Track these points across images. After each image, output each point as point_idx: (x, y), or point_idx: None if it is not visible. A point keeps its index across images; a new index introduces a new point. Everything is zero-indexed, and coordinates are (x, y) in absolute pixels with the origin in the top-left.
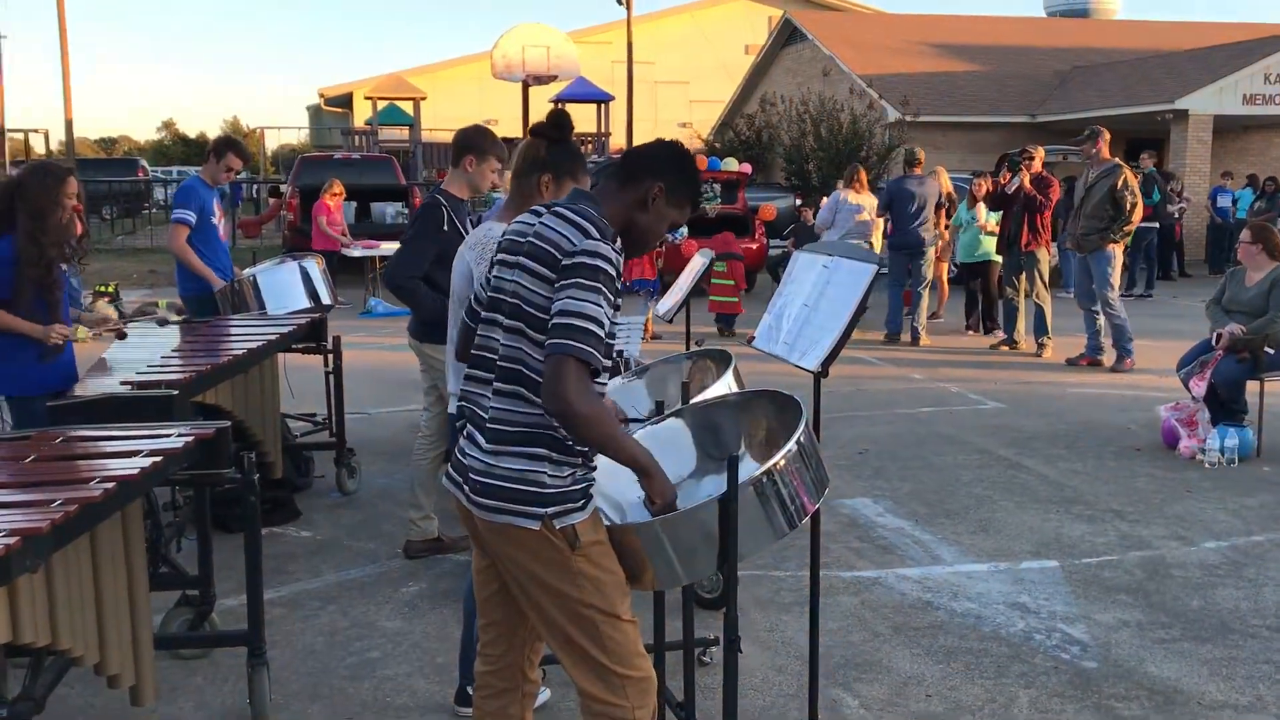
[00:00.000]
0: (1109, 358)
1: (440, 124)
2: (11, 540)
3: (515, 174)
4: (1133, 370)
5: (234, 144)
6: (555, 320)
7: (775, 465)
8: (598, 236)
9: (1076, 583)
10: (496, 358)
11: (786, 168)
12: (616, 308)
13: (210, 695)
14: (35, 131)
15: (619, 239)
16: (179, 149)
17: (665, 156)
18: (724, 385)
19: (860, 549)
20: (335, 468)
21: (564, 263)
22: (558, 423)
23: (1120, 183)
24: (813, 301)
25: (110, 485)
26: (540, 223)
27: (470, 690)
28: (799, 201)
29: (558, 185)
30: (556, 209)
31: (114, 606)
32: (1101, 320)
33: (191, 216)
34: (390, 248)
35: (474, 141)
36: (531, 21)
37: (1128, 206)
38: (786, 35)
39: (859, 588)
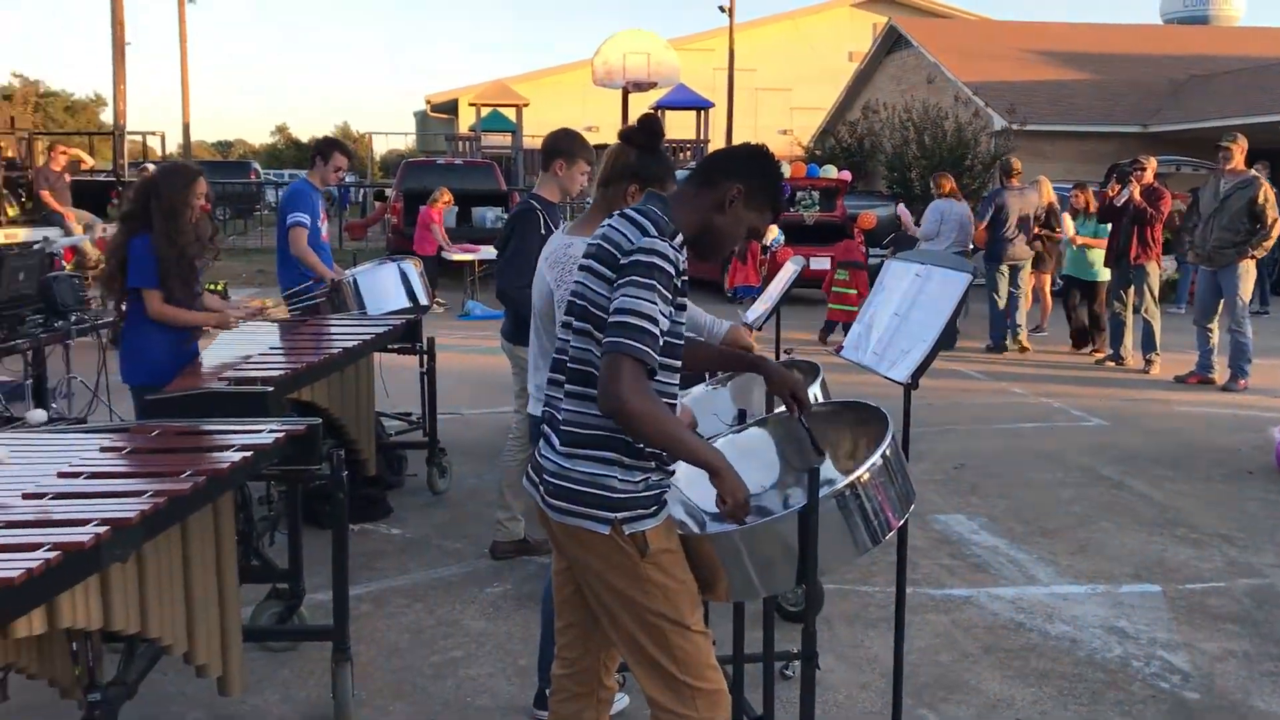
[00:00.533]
0: (1220, 376)
1: (542, 130)
2: (102, 530)
3: (601, 181)
4: (1245, 390)
5: (336, 143)
6: (611, 318)
7: (858, 479)
8: (655, 234)
9: (1179, 609)
10: (568, 360)
11: (888, 176)
12: (680, 306)
13: (296, 688)
14: (153, 134)
15: (691, 240)
16: (291, 153)
17: (746, 158)
18: (809, 396)
19: (952, 566)
20: (427, 467)
21: (621, 261)
22: (612, 420)
23: (1260, 195)
24: (903, 311)
25: (200, 479)
26: (608, 225)
27: (549, 693)
28: (899, 208)
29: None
30: (624, 211)
31: (203, 597)
32: (1215, 337)
33: (307, 219)
34: (489, 252)
35: (563, 145)
36: (634, 28)
37: (1269, 220)
38: (891, 42)
39: (949, 606)
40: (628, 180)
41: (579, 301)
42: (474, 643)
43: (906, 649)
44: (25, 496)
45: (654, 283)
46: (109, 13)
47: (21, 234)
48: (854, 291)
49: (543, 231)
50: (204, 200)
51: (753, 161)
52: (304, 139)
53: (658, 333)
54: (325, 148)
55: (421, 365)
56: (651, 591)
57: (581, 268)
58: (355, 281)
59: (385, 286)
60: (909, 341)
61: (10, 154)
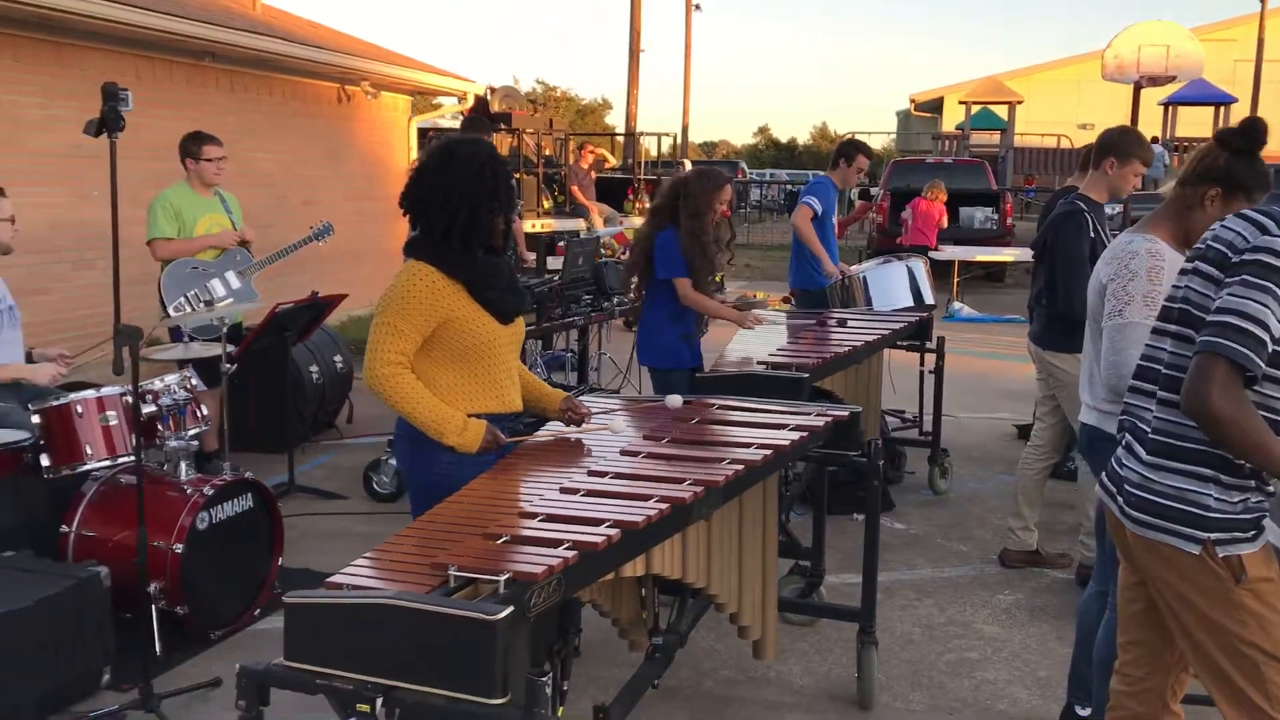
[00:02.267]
0: None
1: (1032, 128)
2: (698, 489)
3: (1181, 181)
4: None
5: (861, 146)
6: (1211, 317)
7: None
8: (1277, 233)
9: None
10: (1162, 368)
11: None
12: None
13: (816, 662)
14: (666, 134)
15: None
16: (770, 153)
17: None
18: None
19: None
20: (929, 466)
21: (1233, 260)
22: (1194, 424)
23: None
24: None
25: (768, 452)
26: (1221, 225)
27: (1078, 710)
28: None
29: (1225, 203)
30: (1243, 211)
31: (752, 563)
32: None
33: (818, 205)
34: (976, 252)
35: (1117, 143)
36: (1152, 19)
37: None
38: None
39: None
40: (1209, 183)
41: (1177, 305)
42: (989, 646)
43: None
44: (622, 453)
45: (1269, 285)
46: (627, 22)
47: (553, 224)
48: None
49: (1091, 234)
50: (726, 206)
51: None
52: (783, 139)
53: (1266, 339)
54: (849, 150)
55: (922, 363)
56: (1246, 620)
57: (1188, 270)
58: (864, 278)
59: (893, 284)
60: None
61: (548, 152)
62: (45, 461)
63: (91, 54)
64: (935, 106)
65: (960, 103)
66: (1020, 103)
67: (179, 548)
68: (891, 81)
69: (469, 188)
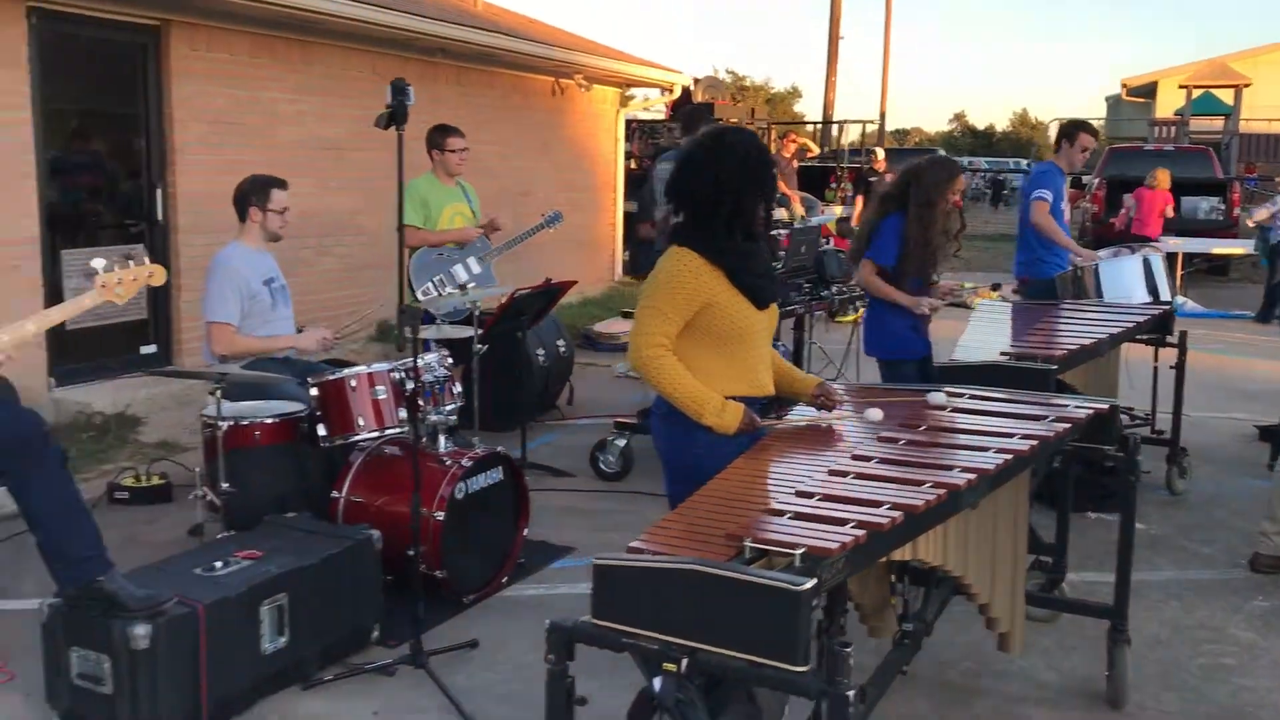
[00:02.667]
0: None
1: (1258, 113)
2: (971, 476)
3: None
4: None
5: (1083, 125)
6: None
7: None
8: None
9: None
10: None
11: None
12: None
13: (1058, 659)
14: (870, 122)
15: None
16: (966, 141)
17: None
18: None
19: None
20: (1166, 465)
21: None
22: None
23: None
24: None
25: (1034, 442)
26: None
27: None
28: None
29: None
30: None
31: (1005, 555)
32: None
33: (1049, 195)
34: (1209, 244)
35: None
36: None
37: None
38: None
39: None
40: None
41: None
42: (1245, 653)
43: None
44: (880, 439)
45: None
46: (827, 10)
47: None
48: None
49: None
50: (959, 196)
51: None
52: (980, 126)
53: None
54: (1070, 129)
55: (1157, 359)
56: None
57: None
58: (1097, 269)
59: (1127, 276)
60: None
61: None
62: (322, 431)
63: (334, 51)
64: (1149, 91)
65: (1181, 86)
66: (1248, 85)
67: (440, 515)
68: (1096, 66)
69: (736, 176)
